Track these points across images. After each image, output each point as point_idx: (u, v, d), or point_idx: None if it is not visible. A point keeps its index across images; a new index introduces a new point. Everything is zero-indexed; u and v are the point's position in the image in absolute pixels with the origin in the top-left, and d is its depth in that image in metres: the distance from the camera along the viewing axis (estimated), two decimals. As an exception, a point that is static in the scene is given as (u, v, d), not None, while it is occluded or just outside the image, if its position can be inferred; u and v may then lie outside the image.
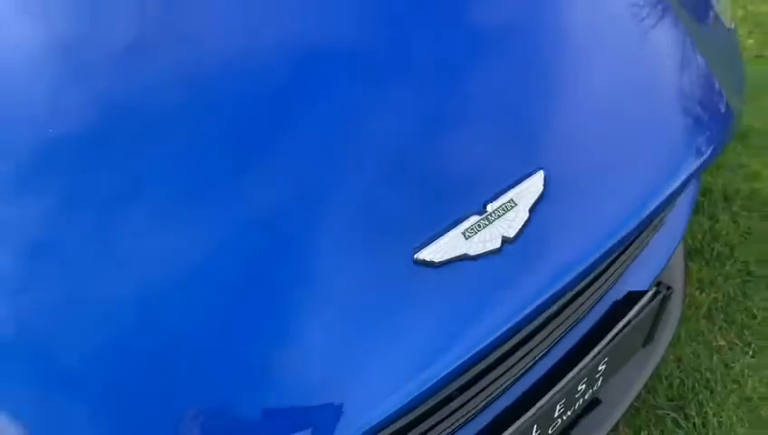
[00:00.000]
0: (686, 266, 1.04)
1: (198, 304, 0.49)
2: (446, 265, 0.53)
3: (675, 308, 0.96)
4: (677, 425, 1.06)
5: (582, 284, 0.66)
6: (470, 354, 0.52)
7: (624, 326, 0.78)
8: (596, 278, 0.70)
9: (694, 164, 0.67)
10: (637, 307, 0.79)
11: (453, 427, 0.64)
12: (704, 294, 1.23)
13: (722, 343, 1.17)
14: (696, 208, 1.38)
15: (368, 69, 0.60)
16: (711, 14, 0.86)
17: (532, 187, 0.56)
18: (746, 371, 1.12)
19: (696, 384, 1.11)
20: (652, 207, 0.63)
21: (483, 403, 0.66)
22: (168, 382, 0.47)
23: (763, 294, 1.23)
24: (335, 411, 0.49)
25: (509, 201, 0.55)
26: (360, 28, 0.64)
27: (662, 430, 1.05)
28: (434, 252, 0.52)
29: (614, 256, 0.68)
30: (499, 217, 0.55)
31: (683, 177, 0.66)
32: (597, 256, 0.58)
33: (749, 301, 1.22)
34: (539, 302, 0.55)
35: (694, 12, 0.82)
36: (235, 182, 0.53)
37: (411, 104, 0.59)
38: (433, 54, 0.62)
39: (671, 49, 0.74)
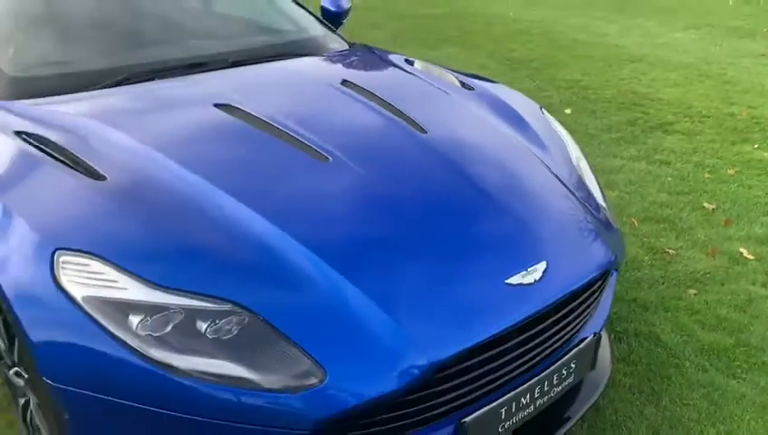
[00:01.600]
0: (611, 341, 2.05)
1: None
2: (516, 286, 1.55)
3: (605, 355, 1.95)
4: (616, 436, 1.97)
5: (572, 303, 1.67)
6: (522, 317, 1.52)
7: (578, 350, 1.75)
8: (577, 307, 1.70)
9: (599, 270, 1.74)
10: (585, 341, 1.78)
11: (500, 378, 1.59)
12: (626, 379, 2.20)
13: (637, 402, 2.11)
14: (620, 339, 2.39)
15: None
16: (608, 221, 1.98)
17: (543, 265, 1.61)
18: (651, 413, 2.06)
19: (625, 418, 2.03)
20: (586, 280, 1.67)
21: (515, 371, 1.61)
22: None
23: (656, 379, 2.20)
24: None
25: (535, 269, 1.60)
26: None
27: (607, 436, 1.95)
28: (513, 279, 1.55)
29: (573, 300, 1.70)
30: (532, 273, 1.59)
31: (595, 273, 1.71)
32: (566, 292, 1.61)
33: (651, 382, 2.18)
34: (548, 303, 1.56)
35: (601, 220, 1.94)
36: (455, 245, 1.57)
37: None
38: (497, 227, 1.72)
39: (590, 226, 1.85)
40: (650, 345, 2.37)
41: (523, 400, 1.62)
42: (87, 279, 1.43)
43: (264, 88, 2.26)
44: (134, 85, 2.21)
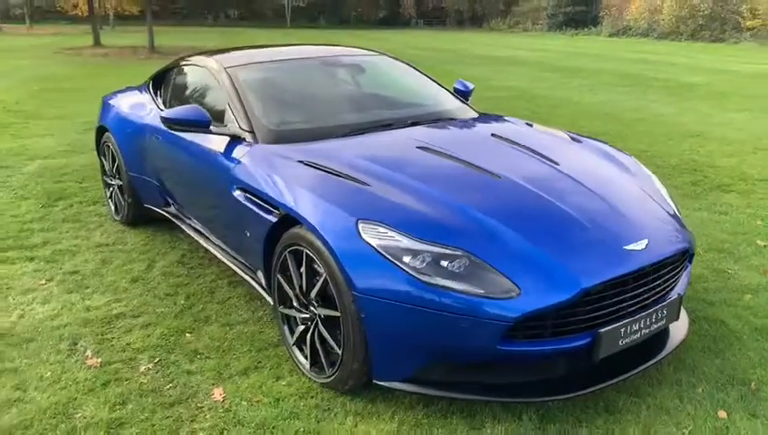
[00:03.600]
0: (690, 316, 2.96)
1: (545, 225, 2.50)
2: (631, 251, 2.53)
3: (683, 316, 2.87)
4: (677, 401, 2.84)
5: (663, 270, 2.62)
6: (635, 268, 2.49)
7: (668, 302, 2.67)
8: (667, 273, 2.65)
9: (679, 250, 2.70)
10: (673, 298, 2.70)
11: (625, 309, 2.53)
12: (699, 344, 3.07)
13: (708, 355, 2.98)
14: (694, 321, 3.26)
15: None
16: (683, 224, 2.94)
17: (646, 240, 2.59)
18: (719, 362, 2.92)
19: (699, 363, 2.90)
20: (671, 254, 2.63)
21: (630, 307, 2.55)
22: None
23: (721, 344, 3.07)
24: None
25: (642, 242, 2.58)
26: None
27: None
28: (629, 247, 2.54)
29: (664, 267, 2.64)
30: (641, 244, 2.57)
31: (676, 251, 2.67)
32: (661, 256, 2.57)
33: (718, 345, 3.05)
34: (649, 262, 2.53)
35: (678, 221, 2.90)
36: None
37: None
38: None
39: (672, 224, 2.82)
40: (716, 325, 3.25)
41: (634, 326, 2.54)
42: (378, 235, 2.47)
43: (443, 137, 3.37)
44: (355, 136, 3.35)
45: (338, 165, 2.93)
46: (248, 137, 3.34)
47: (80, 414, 2.63)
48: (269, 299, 3.15)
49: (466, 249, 2.43)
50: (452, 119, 3.79)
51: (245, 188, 3.11)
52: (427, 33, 51.72)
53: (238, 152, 3.30)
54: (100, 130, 5.00)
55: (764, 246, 4.35)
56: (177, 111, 3.45)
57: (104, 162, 5.02)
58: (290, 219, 2.80)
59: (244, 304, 3.59)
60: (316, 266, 2.67)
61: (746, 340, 3.13)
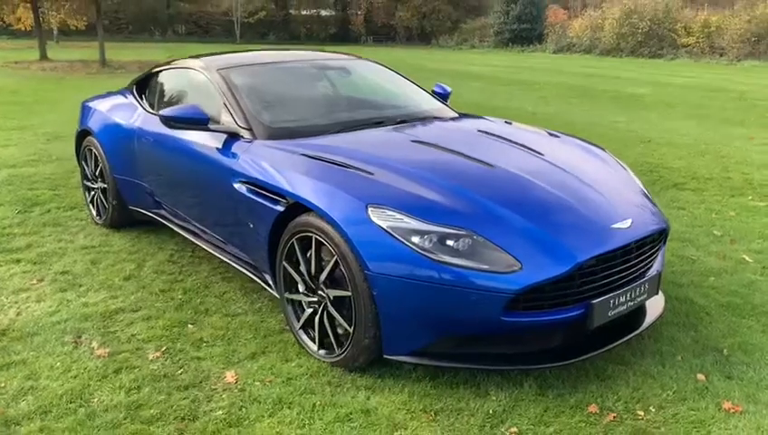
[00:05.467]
0: (666, 295, 3.22)
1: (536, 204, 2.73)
2: (617, 229, 2.77)
3: (661, 292, 3.12)
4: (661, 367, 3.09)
5: (645, 247, 2.86)
6: (621, 244, 2.73)
7: (649, 277, 2.92)
8: (648, 250, 2.90)
9: (657, 229, 2.96)
10: (653, 274, 2.95)
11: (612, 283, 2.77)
12: (674, 320, 3.34)
13: (683, 330, 3.24)
14: (667, 301, 3.53)
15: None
16: (657, 208, 3.21)
17: (630, 220, 2.84)
18: (692, 334, 3.19)
19: (676, 336, 3.16)
20: (651, 231, 2.89)
21: (618, 280, 2.79)
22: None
23: (693, 320, 3.34)
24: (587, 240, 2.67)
25: (626, 221, 2.83)
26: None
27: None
28: (615, 225, 2.78)
29: (648, 243, 2.89)
30: (625, 223, 2.81)
31: (655, 230, 2.93)
32: (643, 234, 2.82)
33: (690, 320, 3.33)
34: (633, 239, 2.77)
35: (654, 205, 3.17)
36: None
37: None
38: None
39: (649, 207, 3.08)
40: (687, 304, 3.53)
41: (621, 298, 2.77)
42: (386, 218, 2.64)
43: (434, 133, 3.57)
44: (350, 132, 3.51)
45: (340, 157, 3.08)
46: (246, 134, 3.47)
47: (96, 399, 2.69)
48: (273, 292, 3.27)
49: (470, 229, 2.62)
50: (436, 118, 4.01)
51: (249, 181, 3.23)
52: (378, 49, 52.23)
53: (238, 148, 3.42)
54: (82, 135, 5.01)
55: (721, 235, 4.70)
56: (177, 110, 3.55)
57: (85, 166, 5.03)
58: (297, 207, 2.94)
59: (241, 297, 3.69)
60: (324, 252, 2.81)
61: (714, 314, 3.41)
